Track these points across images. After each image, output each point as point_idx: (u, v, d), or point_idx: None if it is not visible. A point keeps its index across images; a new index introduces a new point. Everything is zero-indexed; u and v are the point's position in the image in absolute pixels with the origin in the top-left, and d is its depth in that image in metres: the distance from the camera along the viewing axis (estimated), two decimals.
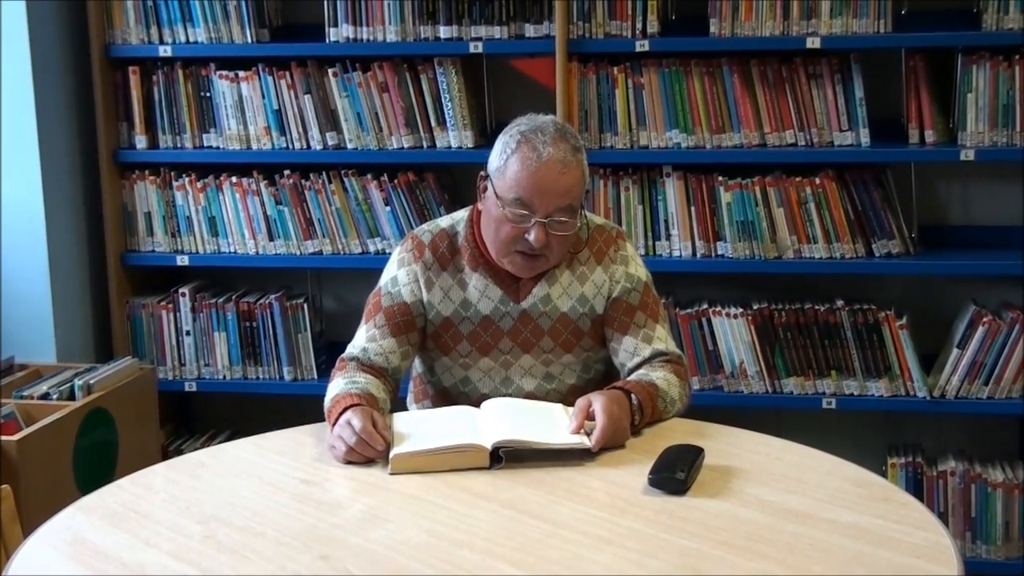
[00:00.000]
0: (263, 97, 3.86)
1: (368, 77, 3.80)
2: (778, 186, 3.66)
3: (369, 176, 3.86)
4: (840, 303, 3.68)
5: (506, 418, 2.43)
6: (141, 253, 4.01)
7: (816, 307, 3.69)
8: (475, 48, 3.72)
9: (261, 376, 3.99)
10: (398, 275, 2.68)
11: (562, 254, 2.62)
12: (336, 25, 3.77)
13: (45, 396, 3.43)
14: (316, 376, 3.95)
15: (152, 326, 4.03)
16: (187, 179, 3.95)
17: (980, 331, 3.60)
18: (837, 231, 3.65)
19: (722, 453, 2.35)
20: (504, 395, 2.66)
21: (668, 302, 3.73)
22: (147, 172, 3.97)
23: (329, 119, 3.84)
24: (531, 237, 2.52)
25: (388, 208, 3.86)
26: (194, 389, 4.03)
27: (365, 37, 3.77)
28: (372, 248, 3.89)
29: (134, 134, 3.96)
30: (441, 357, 2.71)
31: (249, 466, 2.38)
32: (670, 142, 3.69)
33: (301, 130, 3.86)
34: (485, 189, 2.61)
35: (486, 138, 3.80)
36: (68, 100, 3.95)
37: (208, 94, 3.91)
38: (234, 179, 3.92)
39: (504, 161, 2.55)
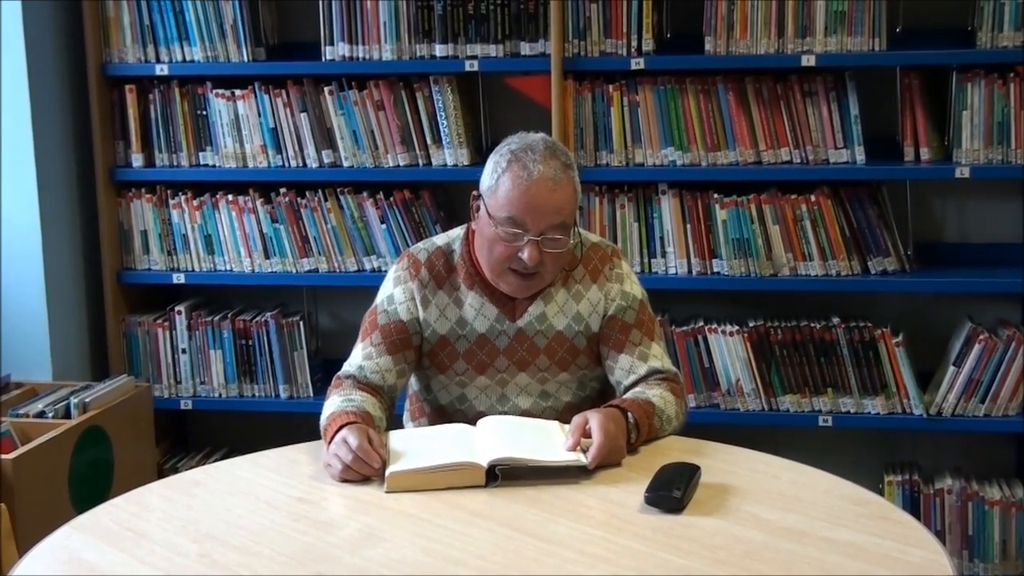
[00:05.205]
0: (259, 115, 3.87)
1: (364, 95, 3.81)
2: (773, 203, 3.66)
3: (365, 194, 3.87)
4: (836, 321, 3.68)
5: (502, 436, 2.42)
6: (137, 271, 4.01)
7: (812, 325, 3.69)
8: (471, 66, 3.73)
9: (257, 394, 3.99)
10: (394, 293, 2.68)
11: (556, 272, 2.62)
12: (332, 43, 3.78)
13: (41, 414, 3.42)
14: (312, 394, 3.95)
15: (148, 344, 4.02)
16: (183, 197, 3.95)
17: (976, 349, 3.60)
18: (833, 249, 3.65)
19: (719, 471, 2.35)
20: (500, 413, 2.65)
21: (664, 320, 3.73)
22: (143, 190, 3.98)
23: (325, 137, 3.84)
24: (524, 256, 2.52)
25: (384, 226, 3.86)
26: (190, 407, 4.02)
27: (361, 55, 3.77)
28: (368, 266, 3.89)
29: (130, 152, 3.96)
30: (437, 375, 2.71)
31: (245, 484, 2.37)
32: (665, 160, 3.70)
33: (297, 148, 3.86)
34: (478, 209, 2.61)
35: (482, 156, 3.79)
36: (65, 118, 3.95)
37: (204, 112, 3.92)
38: (230, 197, 3.92)
39: (495, 180, 2.55)
